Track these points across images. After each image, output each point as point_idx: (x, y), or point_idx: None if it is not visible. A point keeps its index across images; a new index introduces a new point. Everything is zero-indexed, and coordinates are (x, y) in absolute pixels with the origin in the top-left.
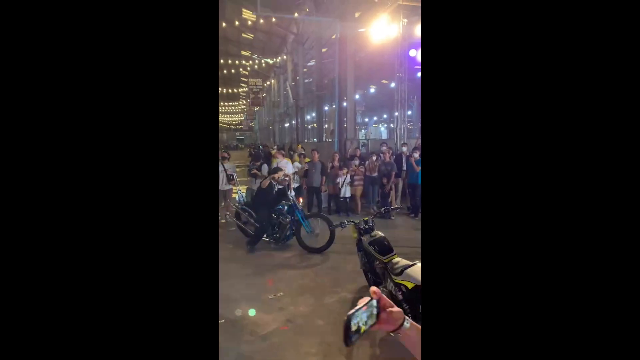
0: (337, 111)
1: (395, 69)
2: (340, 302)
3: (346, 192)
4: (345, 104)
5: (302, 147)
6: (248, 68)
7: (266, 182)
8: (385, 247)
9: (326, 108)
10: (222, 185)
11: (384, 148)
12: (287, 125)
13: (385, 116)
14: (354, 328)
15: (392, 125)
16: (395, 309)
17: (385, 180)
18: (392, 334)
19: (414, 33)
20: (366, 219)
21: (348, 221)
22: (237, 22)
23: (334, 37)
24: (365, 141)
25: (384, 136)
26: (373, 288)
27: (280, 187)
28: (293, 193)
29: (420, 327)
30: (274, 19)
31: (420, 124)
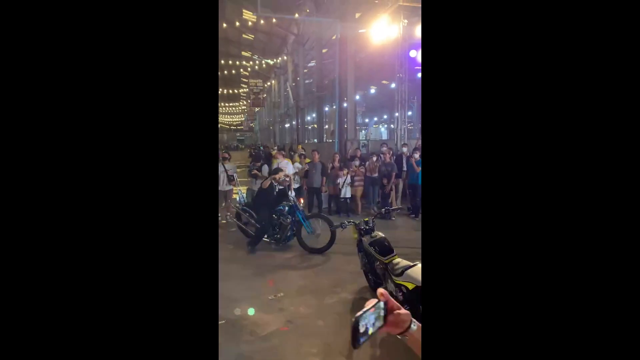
0: (337, 112)
1: (396, 69)
2: (340, 303)
3: (346, 192)
4: (345, 104)
5: (302, 148)
6: (248, 69)
7: (267, 183)
8: (385, 248)
9: (326, 109)
10: (223, 185)
11: (385, 149)
12: (287, 125)
13: (385, 117)
14: (362, 330)
15: (392, 125)
16: (403, 311)
17: (385, 181)
18: (399, 337)
19: (414, 34)
20: (366, 219)
21: (348, 222)
22: (237, 23)
23: (334, 37)
24: (365, 142)
25: (384, 137)
26: (380, 290)
27: (280, 187)
28: (293, 194)
29: None
30: (274, 20)
31: (420, 125)
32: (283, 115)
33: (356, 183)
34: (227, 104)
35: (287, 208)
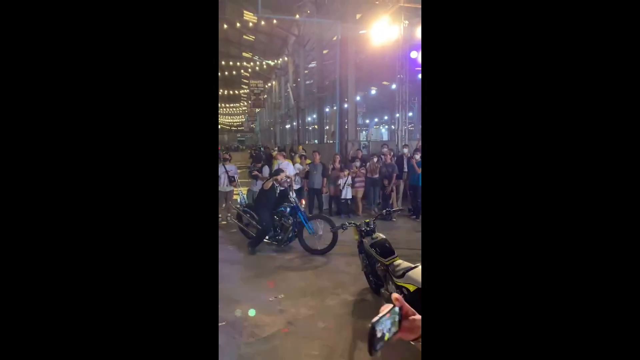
0: (338, 113)
1: (397, 70)
2: (341, 305)
3: (347, 193)
4: (346, 105)
5: (303, 149)
6: (249, 69)
7: (269, 184)
8: (386, 250)
9: (327, 109)
10: (223, 186)
11: (385, 150)
12: (288, 126)
13: (386, 118)
14: (378, 335)
15: (393, 126)
16: (417, 316)
17: (386, 182)
18: (412, 342)
19: (415, 35)
20: (367, 221)
21: (349, 223)
22: (238, 24)
23: (335, 38)
24: (366, 143)
25: (385, 138)
26: (395, 295)
27: (282, 188)
28: (294, 195)
29: None
30: (275, 21)
31: (421, 126)
32: (284, 116)
33: (357, 184)
34: (227, 105)
35: (288, 209)
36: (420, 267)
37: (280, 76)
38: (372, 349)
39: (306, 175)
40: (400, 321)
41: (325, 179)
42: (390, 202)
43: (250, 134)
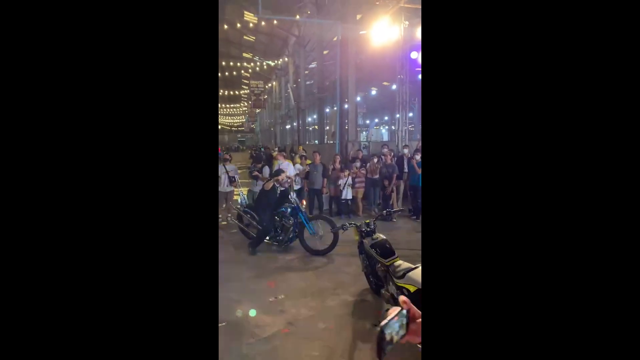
0: (338, 113)
1: (397, 71)
2: (342, 305)
3: (347, 194)
4: (346, 106)
5: (303, 149)
6: (249, 70)
7: (269, 185)
8: (387, 250)
9: (327, 110)
10: (224, 187)
11: (386, 150)
12: (288, 127)
13: (386, 118)
14: (387, 338)
15: (393, 127)
16: None
17: (386, 183)
18: (419, 346)
19: (415, 35)
20: (368, 221)
21: (349, 224)
22: (238, 24)
23: (335, 39)
24: (366, 143)
25: (385, 138)
26: (403, 297)
27: (282, 189)
28: (295, 195)
29: None
30: (275, 21)
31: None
32: (284, 116)
33: (357, 184)
34: (228, 105)
35: (289, 210)
36: (420, 267)
37: (281, 77)
38: (381, 352)
39: (306, 176)
40: (408, 324)
41: (325, 180)
42: (391, 202)
43: (250, 135)
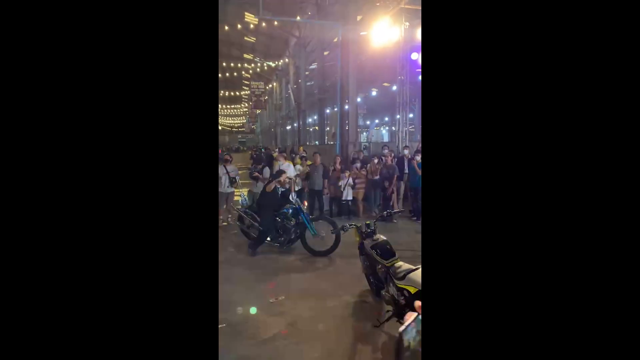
0: (338, 114)
1: (397, 72)
2: (342, 307)
3: (348, 195)
4: (347, 106)
5: (303, 150)
6: (250, 71)
7: (271, 186)
8: (387, 251)
9: (328, 111)
10: (224, 188)
11: (386, 151)
12: (289, 128)
13: (386, 119)
14: (406, 344)
15: (394, 128)
16: None
17: (387, 184)
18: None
19: (415, 36)
20: (368, 222)
21: (350, 224)
22: (239, 26)
23: (335, 40)
24: (367, 144)
25: (386, 139)
26: (418, 303)
27: (283, 189)
28: (296, 196)
29: None
30: (276, 22)
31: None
32: (284, 117)
33: (357, 185)
34: (228, 106)
35: (290, 211)
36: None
37: (281, 77)
38: (399, 359)
39: (306, 177)
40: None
41: (326, 181)
42: (391, 203)
43: (251, 135)
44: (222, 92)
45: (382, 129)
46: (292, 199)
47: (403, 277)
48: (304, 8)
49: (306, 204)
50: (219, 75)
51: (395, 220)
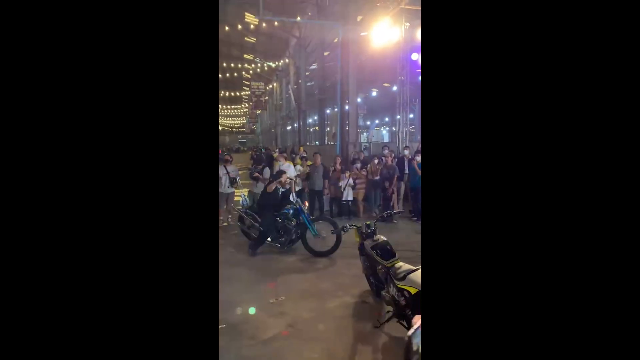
0: (339, 114)
1: (397, 72)
2: (342, 307)
3: (348, 195)
4: (347, 107)
5: (304, 150)
6: (250, 71)
7: (272, 187)
8: (387, 252)
9: (328, 111)
10: (225, 188)
11: (386, 151)
12: (289, 128)
13: (387, 119)
14: (414, 348)
15: (394, 128)
16: None
17: (387, 184)
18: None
19: (415, 37)
20: (368, 223)
21: (350, 225)
22: (239, 26)
23: (336, 40)
24: (367, 144)
25: (386, 139)
26: None
27: (283, 190)
28: (296, 197)
29: None
30: (276, 23)
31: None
32: (285, 117)
33: (358, 186)
34: (229, 107)
35: (291, 211)
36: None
37: (282, 78)
38: None
39: (307, 177)
40: None
41: (326, 181)
42: (391, 203)
43: (251, 136)
44: (222, 92)
45: (382, 129)
46: (293, 199)
47: (403, 278)
48: (304, 8)
49: (307, 204)
50: (219, 75)
51: (395, 221)
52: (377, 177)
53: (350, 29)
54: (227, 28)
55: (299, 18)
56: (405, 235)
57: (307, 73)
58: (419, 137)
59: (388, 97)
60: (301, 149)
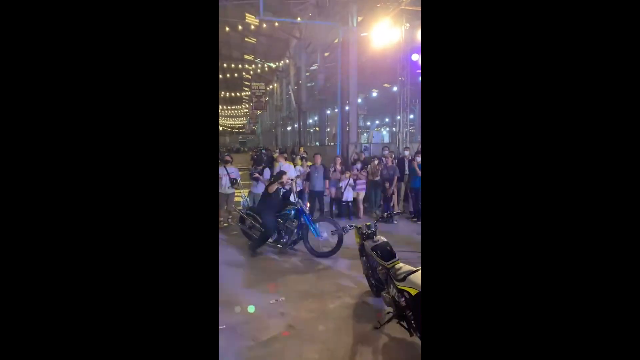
0: (339, 115)
1: (398, 73)
2: (342, 308)
3: (348, 196)
4: (347, 107)
5: (304, 151)
6: (251, 72)
7: (273, 188)
8: (388, 253)
9: (328, 112)
10: (225, 188)
11: (387, 152)
12: (289, 128)
13: (387, 120)
14: None
15: (394, 129)
16: None
17: (387, 185)
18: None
19: (416, 37)
20: (369, 223)
21: (350, 226)
22: (240, 27)
23: (336, 41)
24: (367, 145)
25: (386, 140)
26: None
27: (284, 190)
28: (296, 197)
29: None
30: (276, 23)
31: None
32: (285, 118)
33: (358, 186)
34: (229, 107)
35: (293, 212)
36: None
37: (282, 78)
38: None
39: (307, 178)
40: None
41: (327, 182)
42: (392, 204)
43: (251, 136)
44: (222, 93)
45: (382, 129)
46: (294, 200)
47: (403, 279)
48: (304, 9)
49: (308, 204)
50: (220, 76)
51: (395, 222)
52: (378, 178)
53: (351, 30)
54: (227, 29)
55: (299, 19)
56: (405, 236)
57: (307, 74)
58: (419, 138)
59: (388, 97)
60: (301, 149)
